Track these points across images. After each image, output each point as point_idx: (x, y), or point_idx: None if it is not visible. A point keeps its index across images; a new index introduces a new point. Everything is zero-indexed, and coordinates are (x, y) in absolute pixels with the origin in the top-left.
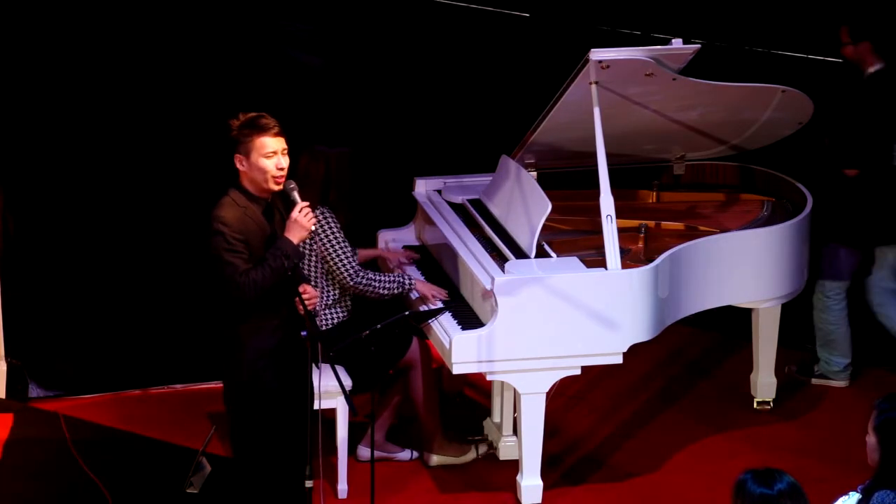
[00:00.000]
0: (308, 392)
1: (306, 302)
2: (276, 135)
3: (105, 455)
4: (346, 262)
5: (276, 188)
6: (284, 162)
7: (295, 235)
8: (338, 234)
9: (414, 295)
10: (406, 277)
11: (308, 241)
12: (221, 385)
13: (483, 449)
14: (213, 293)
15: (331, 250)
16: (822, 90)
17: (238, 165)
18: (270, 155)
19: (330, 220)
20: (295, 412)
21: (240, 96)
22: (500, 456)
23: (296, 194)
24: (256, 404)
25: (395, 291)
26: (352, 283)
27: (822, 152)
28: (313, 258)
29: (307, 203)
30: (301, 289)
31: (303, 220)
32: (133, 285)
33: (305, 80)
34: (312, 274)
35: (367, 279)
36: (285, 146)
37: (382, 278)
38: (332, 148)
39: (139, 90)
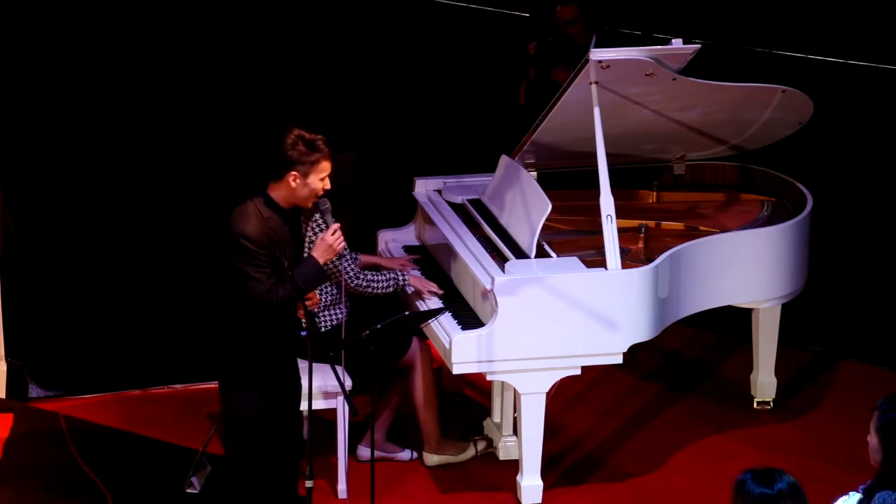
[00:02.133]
0: (306, 392)
1: (307, 304)
2: (331, 158)
3: (105, 455)
4: (346, 265)
5: (309, 206)
6: (329, 183)
7: (322, 256)
8: None
9: (408, 290)
10: (401, 274)
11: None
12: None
13: (482, 446)
14: (215, 292)
15: None
16: (822, 90)
17: (291, 182)
18: (325, 177)
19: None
20: (292, 413)
21: (240, 96)
22: (500, 456)
23: (329, 216)
24: (254, 406)
25: (391, 289)
26: (352, 285)
27: None
28: None
29: (339, 225)
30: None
31: (334, 242)
32: (133, 285)
33: (305, 81)
34: None
35: (367, 281)
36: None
37: (380, 278)
38: (339, 153)
39: (140, 90)
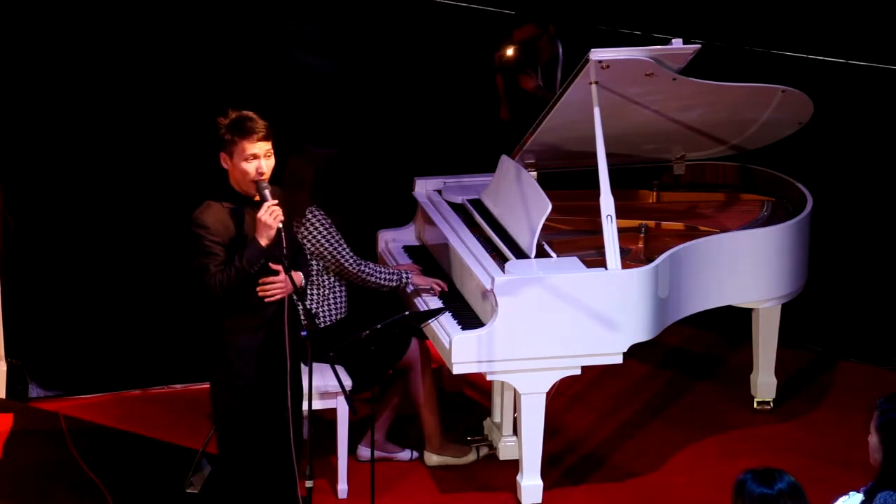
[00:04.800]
0: (297, 391)
1: (269, 291)
2: (261, 139)
3: (105, 455)
4: (344, 254)
5: (252, 191)
6: (265, 165)
7: (262, 235)
8: (331, 230)
9: (410, 288)
10: (405, 273)
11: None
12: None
13: (484, 451)
14: (202, 295)
15: (327, 246)
16: (822, 90)
17: (223, 164)
18: (250, 158)
19: (321, 218)
20: (279, 412)
21: (241, 97)
22: (500, 456)
23: (267, 192)
24: (238, 403)
25: (394, 284)
26: (354, 271)
27: None
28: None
29: (276, 202)
30: (277, 278)
31: (268, 218)
32: (133, 285)
33: (306, 81)
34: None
35: (370, 269)
36: (269, 149)
37: (382, 270)
38: (319, 148)
39: (140, 91)
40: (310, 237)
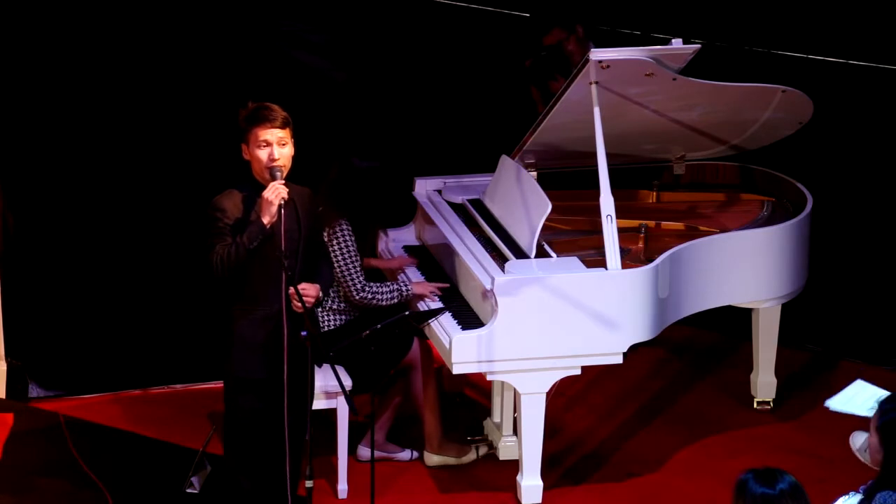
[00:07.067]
0: (302, 390)
1: (305, 300)
2: (274, 126)
3: (105, 455)
4: (354, 276)
5: (268, 177)
6: (277, 153)
7: (265, 212)
8: (351, 248)
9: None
10: (404, 286)
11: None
12: (222, 384)
13: (483, 450)
14: (212, 285)
15: (341, 262)
16: (822, 90)
17: (244, 155)
18: (262, 145)
19: (346, 233)
20: (283, 408)
21: (239, 96)
22: (500, 456)
23: (278, 175)
24: (241, 396)
25: (395, 301)
26: (357, 297)
27: None
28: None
29: (282, 182)
30: (301, 286)
31: (270, 195)
32: (133, 285)
33: (306, 81)
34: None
35: (372, 293)
36: (282, 137)
37: (384, 290)
38: (363, 162)
39: (140, 91)
40: (331, 248)
